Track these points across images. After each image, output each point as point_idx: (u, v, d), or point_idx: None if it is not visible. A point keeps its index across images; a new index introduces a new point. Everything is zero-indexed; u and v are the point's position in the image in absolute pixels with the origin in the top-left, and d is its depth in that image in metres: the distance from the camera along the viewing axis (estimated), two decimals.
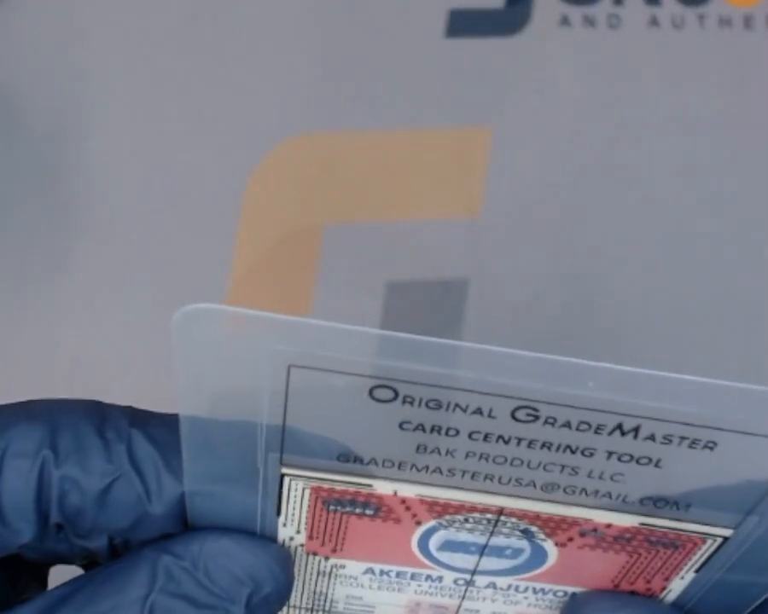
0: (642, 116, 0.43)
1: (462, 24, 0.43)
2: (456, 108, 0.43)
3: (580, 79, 0.44)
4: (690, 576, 0.18)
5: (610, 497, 0.16)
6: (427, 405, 0.14)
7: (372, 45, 0.43)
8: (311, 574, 0.19)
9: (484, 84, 0.44)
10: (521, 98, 0.43)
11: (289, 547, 0.18)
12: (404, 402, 0.14)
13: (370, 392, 0.14)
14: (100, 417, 0.18)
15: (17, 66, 0.39)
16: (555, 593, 0.19)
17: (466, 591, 0.19)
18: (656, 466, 0.15)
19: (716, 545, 0.17)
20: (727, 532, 0.16)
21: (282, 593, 0.18)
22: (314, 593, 0.20)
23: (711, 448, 0.14)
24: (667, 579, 0.18)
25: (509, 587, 0.19)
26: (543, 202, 0.43)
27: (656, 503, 0.16)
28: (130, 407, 0.19)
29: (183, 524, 0.18)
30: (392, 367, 0.14)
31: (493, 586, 0.19)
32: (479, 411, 0.14)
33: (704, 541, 0.17)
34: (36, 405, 0.18)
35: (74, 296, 0.41)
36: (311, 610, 0.20)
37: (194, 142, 0.42)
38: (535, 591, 0.19)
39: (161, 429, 0.17)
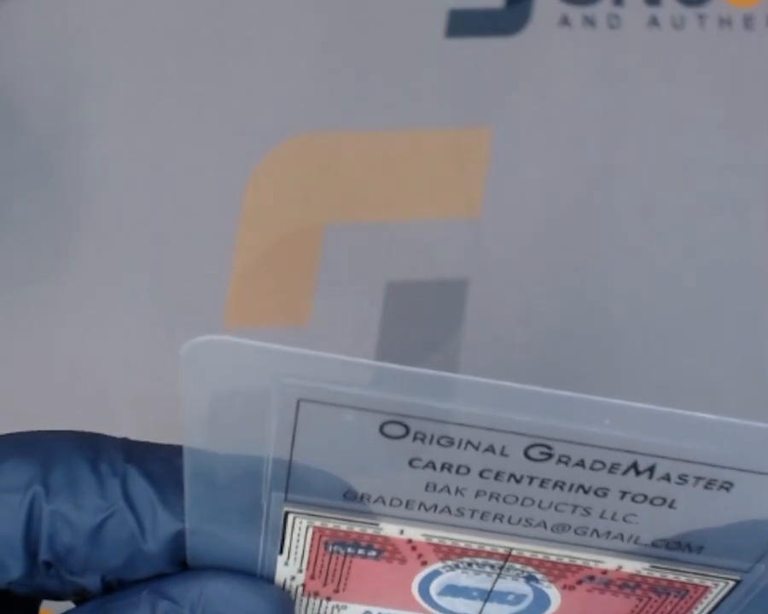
0: (641, 116, 0.43)
1: (462, 24, 0.43)
2: (456, 108, 0.43)
3: (580, 79, 0.44)
4: None
5: (622, 539, 0.16)
6: (438, 442, 0.14)
7: (372, 45, 0.43)
8: None
9: (484, 84, 0.44)
10: (521, 98, 0.43)
11: (290, 587, 0.18)
12: (414, 438, 0.14)
13: (381, 428, 0.14)
14: (94, 450, 0.17)
15: (17, 66, 0.39)
16: None
17: None
18: (670, 506, 0.15)
19: (726, 590, 0.17)
20: (737, 576, 0.16)
21: None
22: None
23: (727, 489, 0.14)
24: None
25: None
26: (543, 202, 0.43)
27: (668, 545, 0.16)
28: (125, 439, 0.18)
29: (179, 563, 0.18)
30: (404, 402, 0.14)
31: None
32: (491, 449, 0.14)
33: (715, 586, 0.17)
34: (28, 437, 0.18)
35: (74, 296, 0.41)
36: None
37: (194, 142, 0.42)
38: None
39: (158, 464, 0.17)
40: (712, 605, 0.17)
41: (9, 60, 0.39)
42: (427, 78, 0.43)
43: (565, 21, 0.42)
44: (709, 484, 0.14)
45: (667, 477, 0.14)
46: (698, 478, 0.14)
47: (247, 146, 0.42)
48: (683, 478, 0.14)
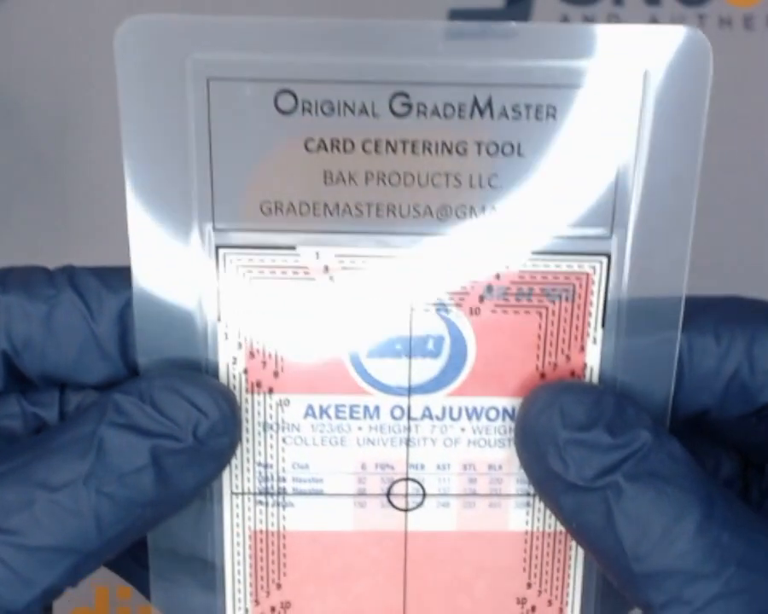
0: None
1: None
2: None
3: None
4: (599, 334, 0.19)
5: (497, 215, 0.18)
6: (322, 110, 0.18)
7: None
8: (259, 430, 0.20)
9: None
10: None
11: (234, 379, 0.20)
12: (303, 111, 0.18)
13: (275, 103, 0.18)
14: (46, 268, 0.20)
15: (17, 66, 0.40)
16: (488, 415, 0.20)
17: (408, 434, 0.20)
18: (519, 153, 0.18)
19: (603, 275, 0.19)
20: (605, 248, 0.18)
21: (229, 426, 0.19)
22: (263, 466, 0.20)
23: (554, 116, 0.18)
24: (583, 348, 0.19)
25: (443, 412, 0.20)
26: None
27: (535, 213, 0.18)
28: None
29: (129, 366, 0.20)
30: (289, 64, 0.17)
31: (429, 414, 0.20)
32: (364, 110, 0.18)
33: (593, 272, 0.19)
34: None
35: None
36: (263, 493, 0.20)
37: None
38: (468, 414, 0.20)
39: (101, 268, 0.20)
40: (601, 309, 0.19)
41: (9, 60, 0.40)
42: None
43: (565, 21, 0.42)
44: (538, 112, 0.18)
45: (505, 113, 0.18)
46: (527, 106, 0.18)
47: None
48: (516, 110, 0.18)
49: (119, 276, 0.20)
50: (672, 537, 0.18)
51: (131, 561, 0.22)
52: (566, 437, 0.18)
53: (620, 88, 0.18)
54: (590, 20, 0.42)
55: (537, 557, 0.21)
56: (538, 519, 0.21)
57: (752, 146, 0.41)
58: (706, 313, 0.20)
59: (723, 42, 0.40)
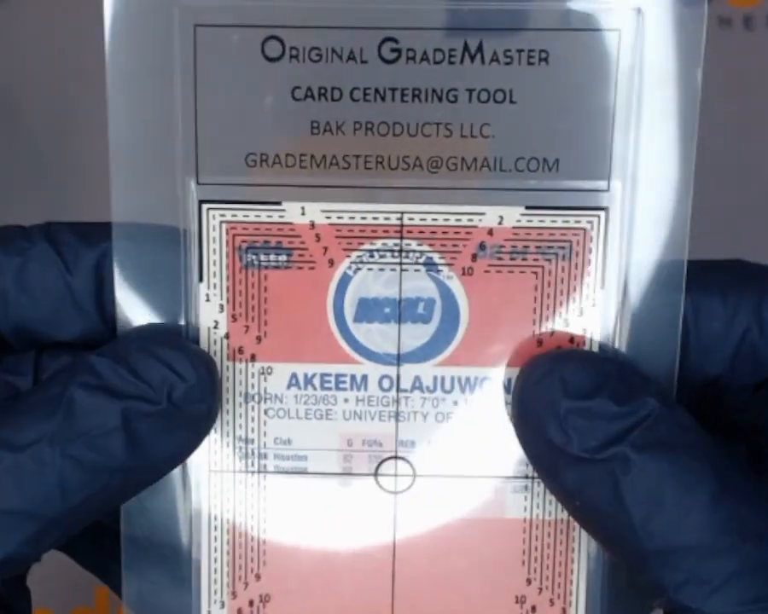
0: None
1: None
2: None
3: None
4: (599, 296, 0.18)
5: (489, 167, 0.18)
6: (310, 57, 0.17)
7: None
8: (240, 401, 0.19)
9: None
10: None
11: (215, 344, 0.19)
12: (290, 58, 0.17)
13: (262, 50, 0.17)
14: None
15: (17, 66, 0.39)
16: (482, 387, 0.19)
17: (398, 407, 0.19)
18: (512, 101, 0.17)
19: (602, 231, 0.18)
20: (602, 203, 0.18)
21: (206, 391, 0.18)
22: (243, 441, 0.19)
23: (546, 61, 0.17)
24: (582, 312, 0.18)
25: (435, 383, 0.19)
26: None
27: (529, 164, 0.18)
28: None
29: (107, 322, 0.19)
30: (276, 9, 0.17)
31: (419, 385, 0.19)
32: (352, 56, 0.17)
33: (591, 227, 0.18)
34: None
35: None
36: (243, 472, 0.19)
37: None
38: (461, 386, 0.19)
39: (78, 223, 0.19)
40: (600, 268, 0.18)
41: (9, 60, 0.39)
42: None
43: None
44: (530, 59, 0.17)
45: (496, 58, 0.17)
46: (519, 51, 0.17)
47: None
48: (507, 55, 0.17)
49: (97, 230, 0.19)
50: (685, 510, 0.16)
51: (105, 556, 0.21)
52: (567, 406, 0.17)
53: (614, 28, 0.17)
54: None
55: (537, 549, 0.19)
56: (538, 505, 0.19)
57: (752, 146, 0.40)
58: (711, 274, 0.19)
59: (723, 42, 0.40)
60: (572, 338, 0.19)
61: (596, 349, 0.19)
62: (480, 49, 0.18)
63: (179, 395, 0.18)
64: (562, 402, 0.17)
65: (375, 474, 0.19)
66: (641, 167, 0.18)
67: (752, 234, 0.41)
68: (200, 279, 0.19)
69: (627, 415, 0.17)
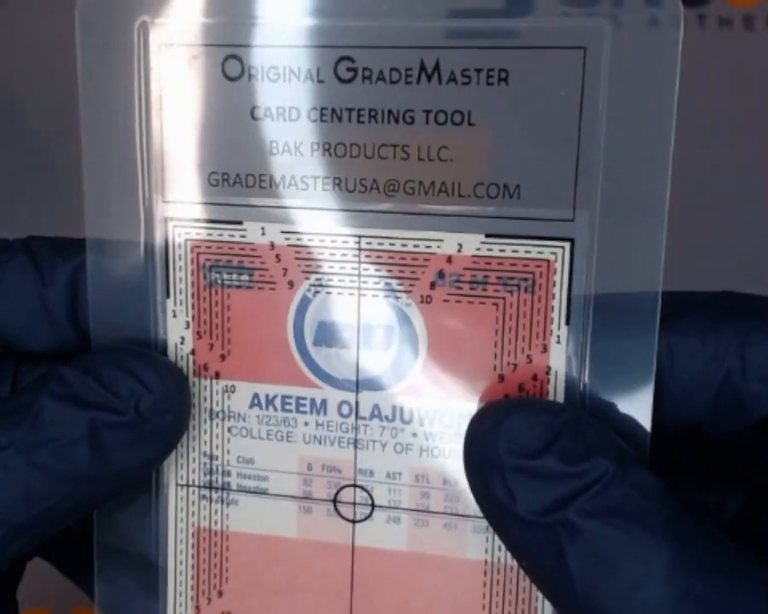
0: None
1: None
2: None
3: None
4: (564, 332, 0.17)
5: (447, 193, 0.17)
6: (268, 77, 0.17)
7: None
8: (205, 417, 0.19)
9: None
10: None
11: (182, 360, 0.19)
12: (249, 77, 0.17)
13: (223, 69, 0.17)
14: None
15: (17, 66, 0.40)
16: (441, 421, 0.18)
17: (356, 434, 0.18)
18: (470, 123, 0.16)
19: (567, 259, 0.16)
20: (568, 233, 0.16)
21: (174, 403, 0.18)
22: (208, 458, 0.19)
23: (506, 81, 0.16)
24: (546, 348, 0.17)
25: (394, 412, 0.18)
26: None
27: (489, 190, 0.16)
28: None
29: (81, 337, 0.19)
30: (236, 29, 0.17)
31: (378, 414, 0.18)
32: (309, 76, 0.17)
33: (555, 260, 0.16)
34: None
35: None
36: (207, 487, 0.19)
37: None
38: (420, 418, 0.18)
39: (57, 238, 0.20)
40: (565, 305, 0.17)
41: (9, 60, 0.40)
42: None
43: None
44: (489, 78, 0.16)
45: (453, 77, 0.16)
46: (477, 70, 0.16)
47: None
48: (465, 75, 0.16)
49: (74, 244, 0.19)
50: (634, 584, 0.15)
51: (79, 562, 0.21)
52: (512, 464, 0.16)
53: (579, 46, 0.16)
54: None
55: (498, 594, 0.18)
56: (500, 548, 0.18)
57: (752, 146, 0.39)
58: (688, 310, 0.17)
59: (723, 42, 0.39)
60: (535, 376, 0.17)
61: (560, 388, 0.17)
62: (436, 67, 0.17)
63: (146, 406, 0.18)
64: (507, 459, 0.16)
65: (335, 501, 0.19)
66: (609, 194, 0.16)
67: (751, 234, 0.40)
68: (167, 295, 0.19)
69: (574, 477, 0.16)
